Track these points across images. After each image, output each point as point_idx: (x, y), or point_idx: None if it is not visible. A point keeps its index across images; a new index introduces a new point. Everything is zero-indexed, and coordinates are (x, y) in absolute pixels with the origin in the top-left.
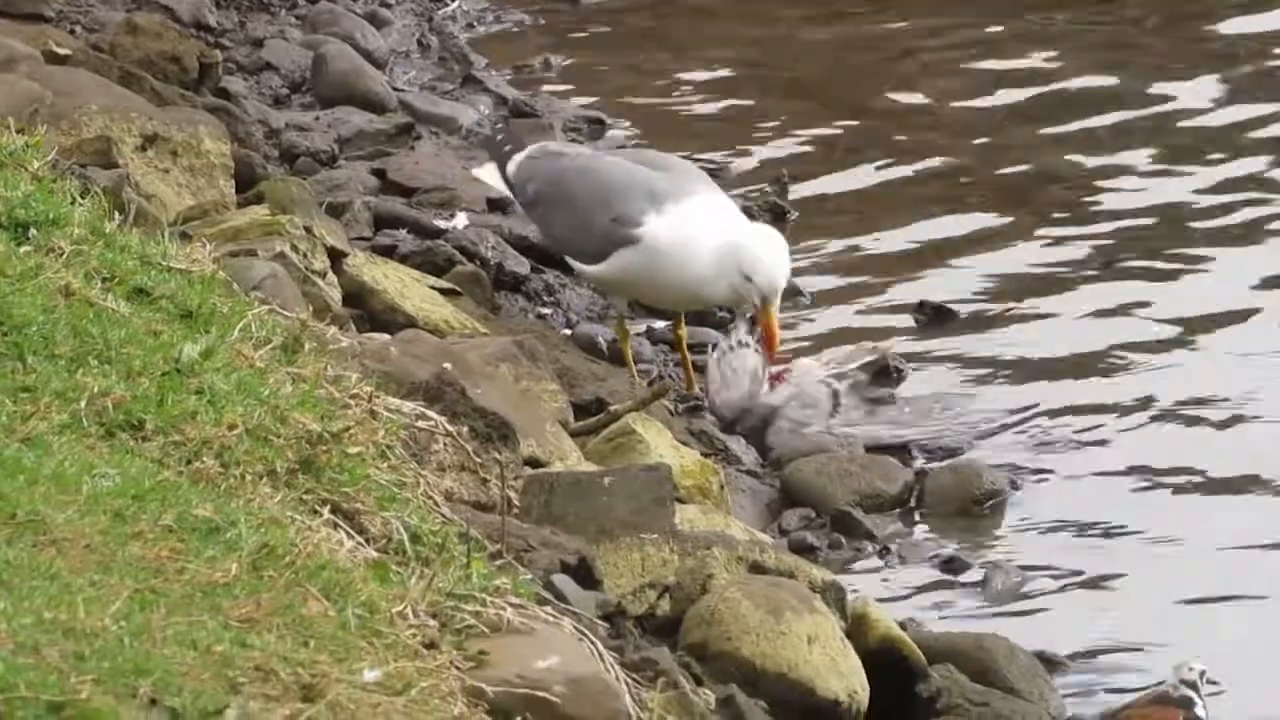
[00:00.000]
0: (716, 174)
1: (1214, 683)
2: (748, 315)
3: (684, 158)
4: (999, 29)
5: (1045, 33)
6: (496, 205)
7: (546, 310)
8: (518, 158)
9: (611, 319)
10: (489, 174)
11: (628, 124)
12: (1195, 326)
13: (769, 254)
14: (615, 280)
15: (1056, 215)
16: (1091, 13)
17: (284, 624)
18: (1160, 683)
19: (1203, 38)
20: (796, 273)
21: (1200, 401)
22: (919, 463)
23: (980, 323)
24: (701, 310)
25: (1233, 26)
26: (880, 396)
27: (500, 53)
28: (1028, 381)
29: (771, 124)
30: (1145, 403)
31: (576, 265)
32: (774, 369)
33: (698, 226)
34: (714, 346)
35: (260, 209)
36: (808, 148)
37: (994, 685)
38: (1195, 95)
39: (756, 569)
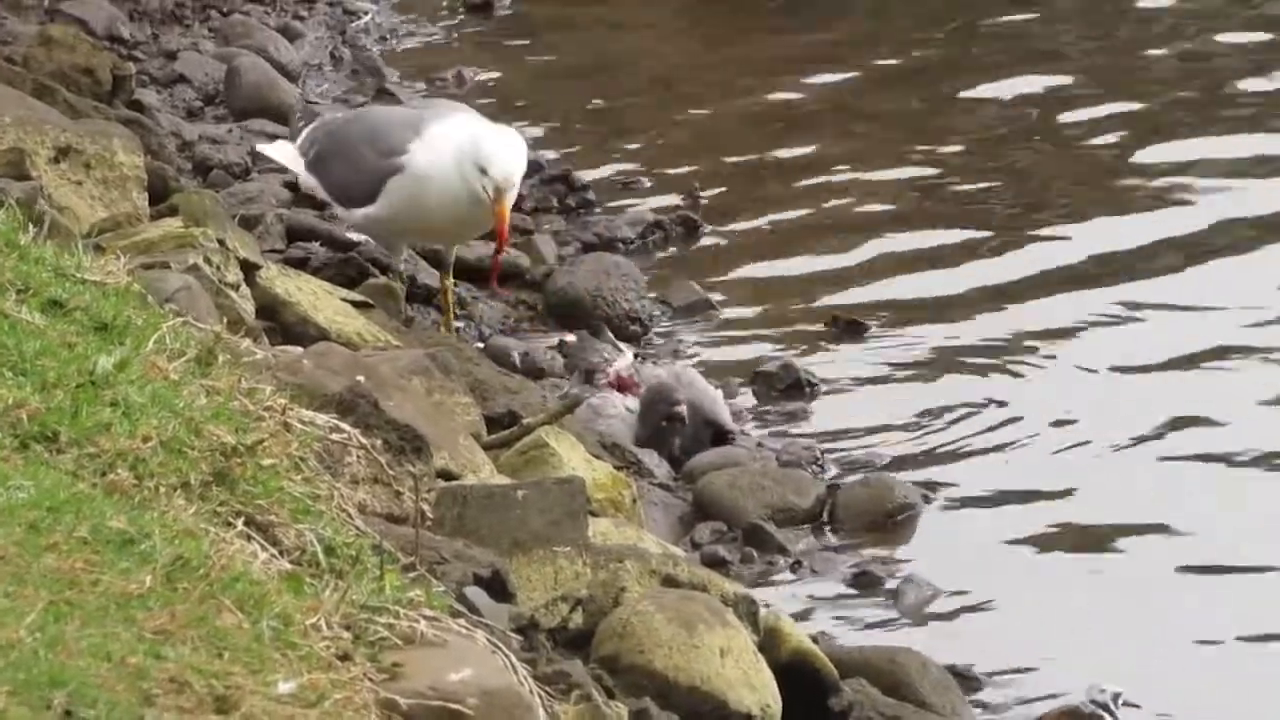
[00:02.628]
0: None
1: (1132, 705)
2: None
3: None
4: (923, 45)
5: (966, 53)
6: None
7: (459, 323)
8: (305, 130)
9: (396, 268)
10: (277, 150)
11: (540, 135)
12: (1108, 341)
13: (502, 147)
14: (390, 217)
15: (974, 230)
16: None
17: (198, 636)
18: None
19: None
20: (709, 286)
21: (1113, 416)
22: (831, 476)
23: (891, 336)
24: (477, 235)
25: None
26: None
27: (413, 66)
28: (941, 394)
29: (685, 138)
30: (1058, 417)
31: (356, 213)
32: (622, 376)
33: (452, 141)
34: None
35: (173, 221)
36: (722, 161)
37: (906, 699)
38: (1106, 118)
39: (669, 582)
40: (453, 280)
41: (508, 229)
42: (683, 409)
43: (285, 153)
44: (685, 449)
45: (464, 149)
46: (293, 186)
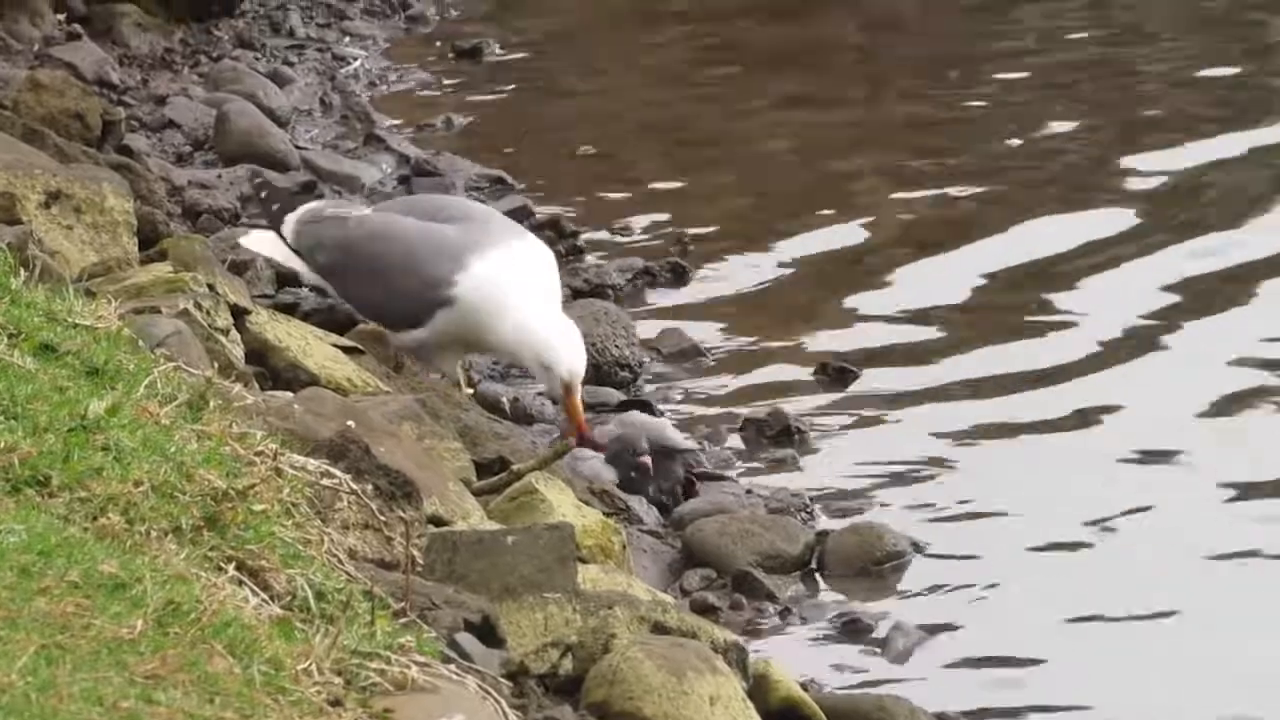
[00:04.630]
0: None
1: None
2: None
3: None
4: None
5: (960, 100)
6: None
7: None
8: (293, 220)
9: (511, 380)
10: (262, 242)
11: (529, 182)
12: (1099, 389)
13: (563, 345)
14: (439, 342)
15: (965, 278)
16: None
17: (189, 680)
18: None
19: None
20: (698, 333)
21: (1104, 463)
22: (820, 523)
23: (880, 384)
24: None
25: None
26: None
27: (403, 111)
28: (930, 442)
29: (675, 184)
30: (1048, 464)
31: (395, 336)
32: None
33: (506, 281)
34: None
35: (163, 266)
36: (711, 207)
37: None
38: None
39: (659, 629)
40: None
41: (582, 420)
42: (647, 459)
43: (275, 248)
44: (662, 488)
45: (525, 338)
46: (285, 279)
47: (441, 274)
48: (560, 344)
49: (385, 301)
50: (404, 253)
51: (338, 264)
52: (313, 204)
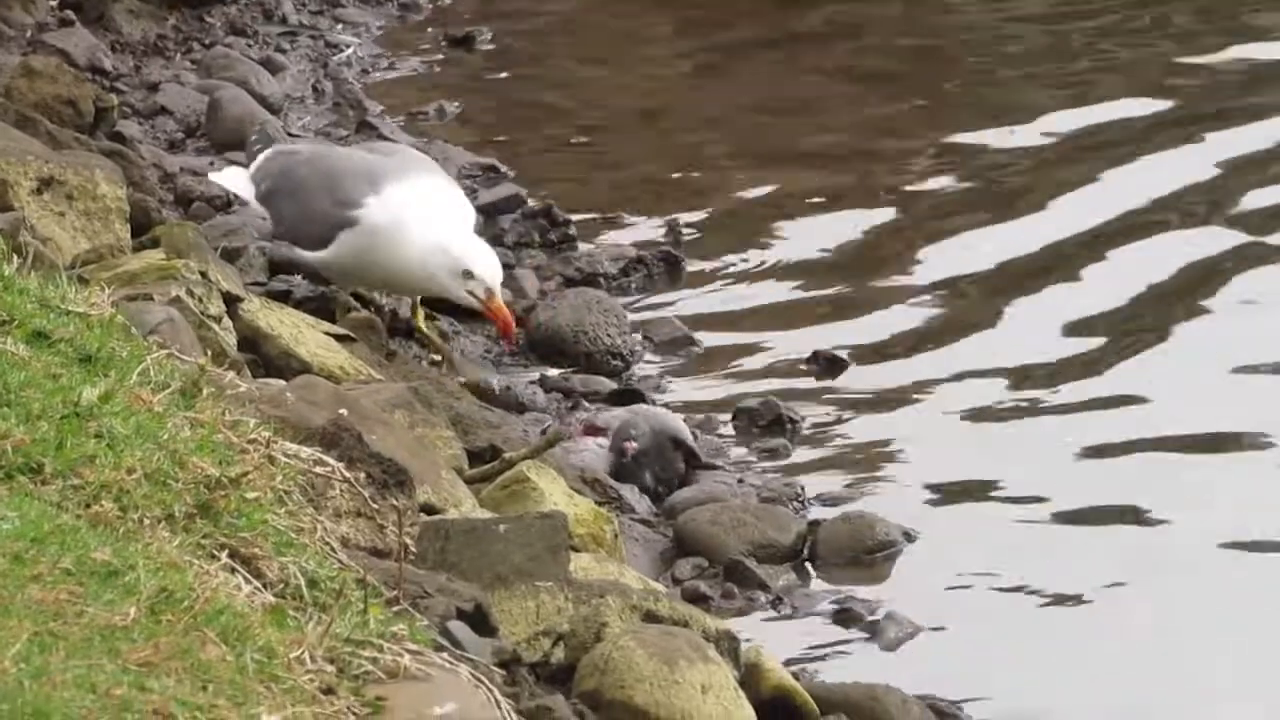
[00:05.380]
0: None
1: None
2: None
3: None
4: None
5: (959, 95)
6: None
7: (438, 357)
8: (259, 158)
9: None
10: (229, 177)
11: (521, 170)
12: (1093, 379)
13: (481, 249)
14: (339, 265)
15: (958, 267)
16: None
17: (182, 668)
18: None
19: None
20: (691, 322)
21: (1098, 452)
22: (812, 512)
23: (872, 373)
24: (434, 298)
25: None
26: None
27: (395, 99)
28: (922, 431)
29: (668, 172)
30: (1041, 453)
31: (305, 255)
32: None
33: (414, 210)
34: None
35: (156, 253)
36: (704, 196)
37: None
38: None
39: (650, 618)
40: (423, 314)
41: (511, 321)
42: (631, 445)
43: (237, 180)
44: (660, 478)
45: (437, 254)
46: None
47: (352, 195)
48: (477, 252)
49: (299, 221)
50: (323, 174)
51: (274, 188)
52: (282, 144)
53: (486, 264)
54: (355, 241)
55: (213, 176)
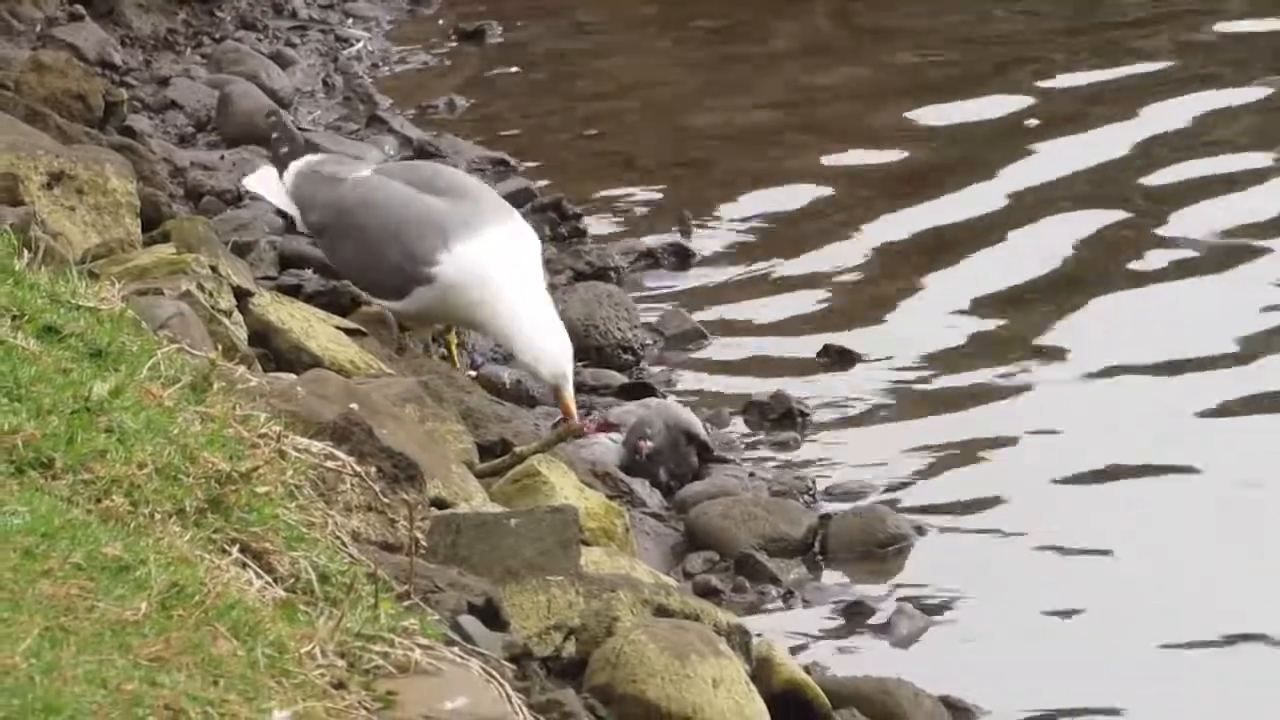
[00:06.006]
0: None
1: None
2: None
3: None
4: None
5: (969, 80)
6: None
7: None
8: (293, 171)
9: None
10: (264, 183)
11: (532, 163)
12: (1104, 373)
13: (548, 346)
14: (416, 314)
15: (968, 259)
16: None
17: (193, 663)
18: None
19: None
20: (701, 315)
21: (1109, 447)
22: (823, 506)
23: (883, 366)
24: None
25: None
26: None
27: (405, 93)
28: (933, 425)
29: (678, 165)
30: (1052, 448)
31: (375, 301)
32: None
33: (490, 271)
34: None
35: (166, 248)
36: (715, 189)
37: None
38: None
39: (662, 612)
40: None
41: (574, 413)
42: (647, 445)
43: (278, 192)
44: (674, 473)
45: (512, 335)
46: (284, 213)
47: (425, 252)
48: (545, 345)
49: (369, 270)
50: (391, 225)
51: (328, 225)
52: (313, 157)
53: (552, 368)
54: (431, 296)
55: (248, 180)
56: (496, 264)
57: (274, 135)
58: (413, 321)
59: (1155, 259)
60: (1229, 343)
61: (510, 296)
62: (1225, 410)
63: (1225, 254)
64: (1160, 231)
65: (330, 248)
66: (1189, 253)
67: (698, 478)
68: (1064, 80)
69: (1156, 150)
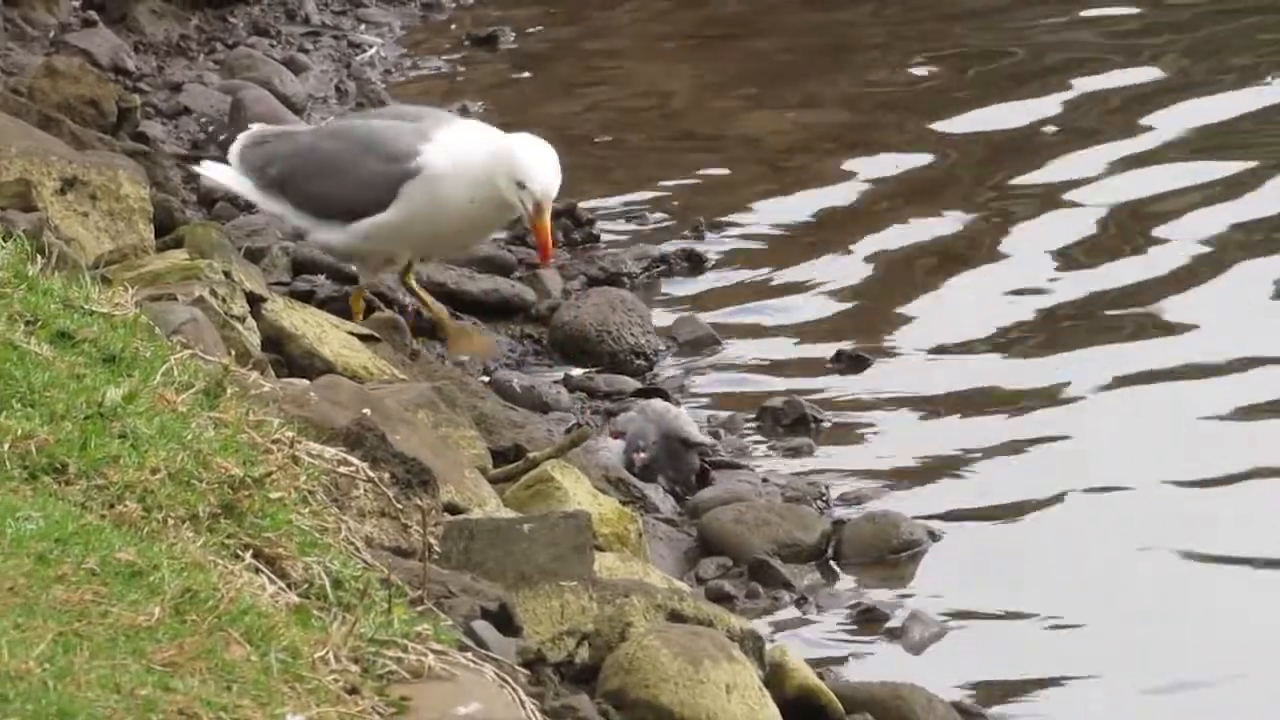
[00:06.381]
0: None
1: None
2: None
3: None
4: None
5: (980, 85)
6: None
7: (464, 357)
8: (238, 145)
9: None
10: (217, 171)
11: None
12: (1118, 378)
13: (540, 159)
14: (406, 222)
15: (982, 265)
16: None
17: (207, 668)
18: None
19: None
20: (714, 320)
21: (1124, 451)
22: (836, 511)
23: (896, 371)
24: (484, 240)
25: None
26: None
27: (418, 99)
28: (946, 430)
29: (691, 171)
30: (1066, 451)
31: (359, 226)
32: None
33: (467, 146)
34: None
35: (179, 254)
36: (728, 194)
37: None
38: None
39: (675, 617)
40: (413, 275)
41: (550, 241)
42: (640, 457)
43: (226, 175)
44: (675, 479)
45: (499, 157)
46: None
47: (405, 148)
48: (537, 165)
49: (350, 188)
50: (365, 138)
51: (294, 169)
52: (254, 127)
53: (542, 179)
54: (421, 191)
55: (198, 169)
56: (474, 140)
57: (211, 131)
58: (397, 238)
59: (1174, 266)
60: (1249, 349)
61: (493, 144)
62: (1245, 417)
63: (1247, 261)
64: (1179, 238)
65: (301, 190)
66: (1208, 259)
67: (703, 479)
68: (1083, 88)
69: (1171, 156)
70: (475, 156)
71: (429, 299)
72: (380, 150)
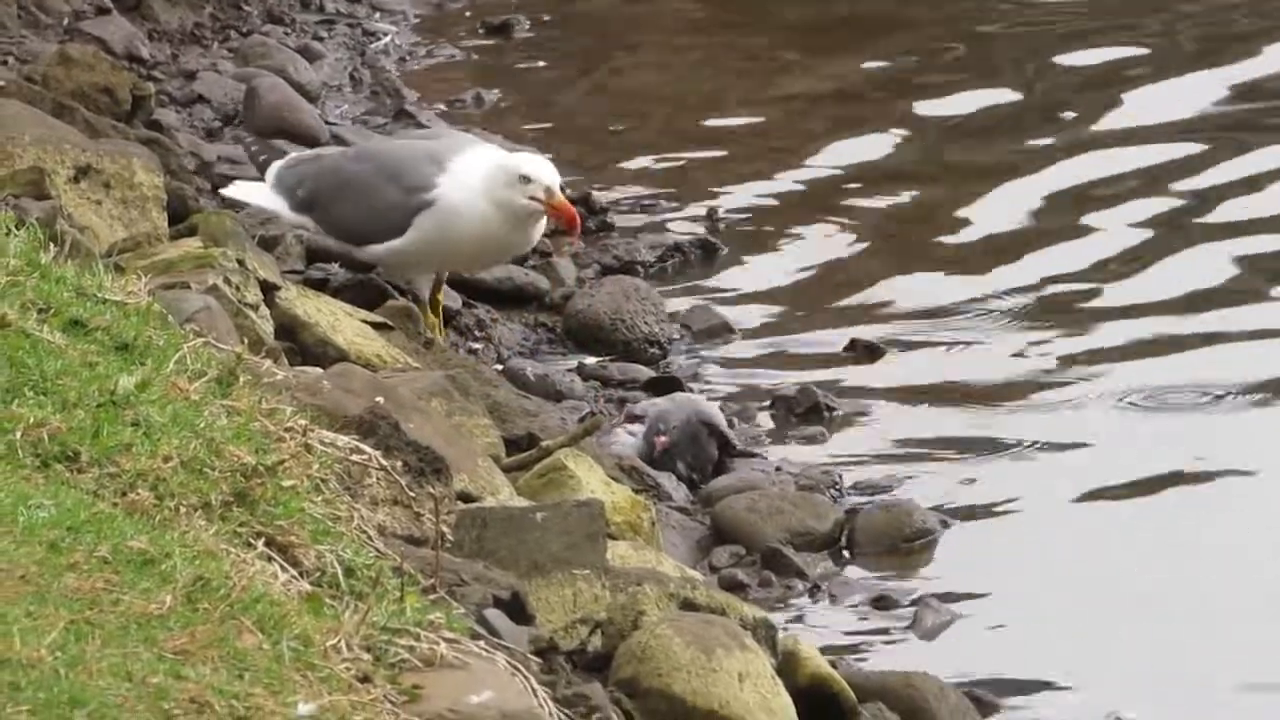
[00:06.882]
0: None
1: None
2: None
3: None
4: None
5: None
6: None
7: (478, 345)
8: (274, 168)
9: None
10: (246, 190)
11: (559, 157)
12: (1131, 370)
13: (534, 157)
14: (418, 250)
15: (995, 254)
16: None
17: (218, 656)
18: None
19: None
20: (728, 309)
21: (1134, 443)
22: (849, 500)
23: (910, 360)
24: (504, 261)
25: None
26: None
27: (432, 87)
28: (959, 419)
29: (705, 160)
30: (1077, 443)
31: (375, 250)
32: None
33: (479, 173)
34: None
35: (193, 242)
36: (742, 184)
37: None
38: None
39: (688, 606)
40: (442, 294)
41: (573, 211)
42: (661, 440)
43: (259, 194)
44: (693, 465)
45: (495, 173)
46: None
47: (422, 179)
48: (527, 156)
49: (365, 214)
50: (384, 165)
51: (320, 190)
52: (290, 154)
53: (538, 165)
54: (433, 221)
55: (226, 192)
56: (486, 170)
57: (254, 150)
58: (415, 261)
59: (1191, 262)
60: (1264, 352)
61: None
62: (1257, 418)
63: (1267, 259)
64: (1199, 233)
65: (325, 211)
66: (1227, 256)
67: (719, 470)
68: (1101, 75)
69: (1200, 150)
70: (481, 180)
71: (436, 312)
72: (399, 179)
